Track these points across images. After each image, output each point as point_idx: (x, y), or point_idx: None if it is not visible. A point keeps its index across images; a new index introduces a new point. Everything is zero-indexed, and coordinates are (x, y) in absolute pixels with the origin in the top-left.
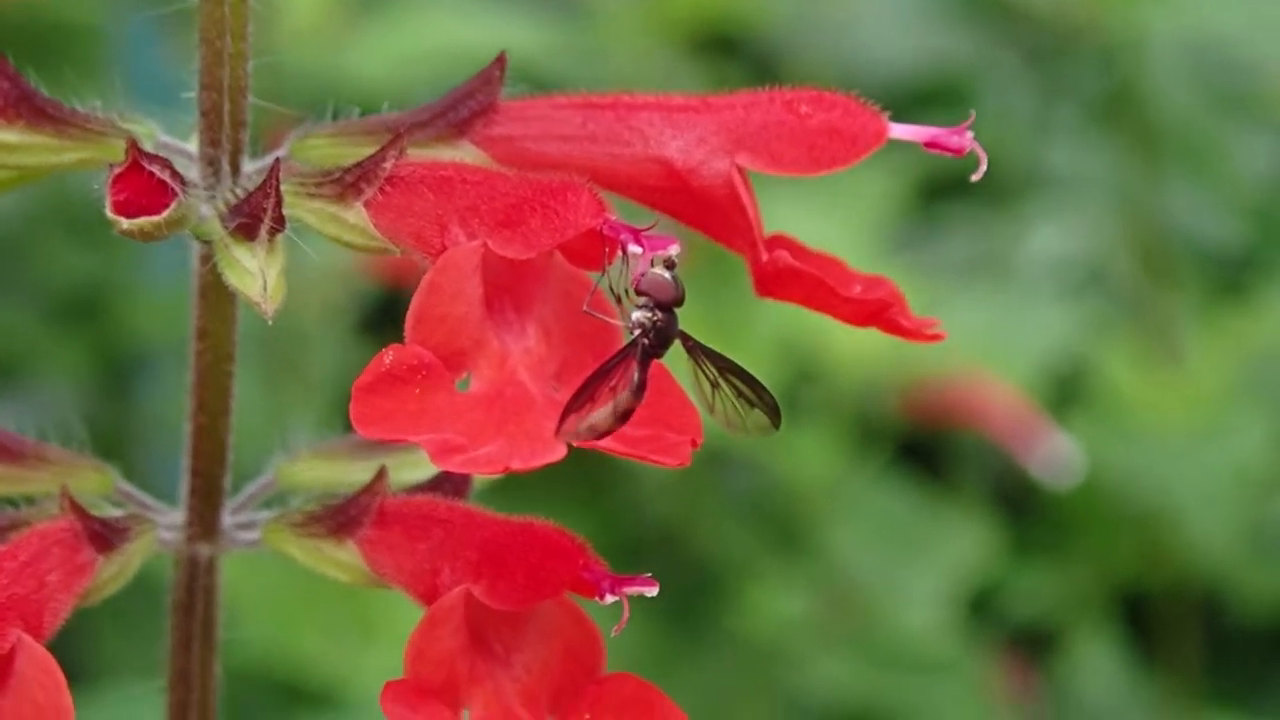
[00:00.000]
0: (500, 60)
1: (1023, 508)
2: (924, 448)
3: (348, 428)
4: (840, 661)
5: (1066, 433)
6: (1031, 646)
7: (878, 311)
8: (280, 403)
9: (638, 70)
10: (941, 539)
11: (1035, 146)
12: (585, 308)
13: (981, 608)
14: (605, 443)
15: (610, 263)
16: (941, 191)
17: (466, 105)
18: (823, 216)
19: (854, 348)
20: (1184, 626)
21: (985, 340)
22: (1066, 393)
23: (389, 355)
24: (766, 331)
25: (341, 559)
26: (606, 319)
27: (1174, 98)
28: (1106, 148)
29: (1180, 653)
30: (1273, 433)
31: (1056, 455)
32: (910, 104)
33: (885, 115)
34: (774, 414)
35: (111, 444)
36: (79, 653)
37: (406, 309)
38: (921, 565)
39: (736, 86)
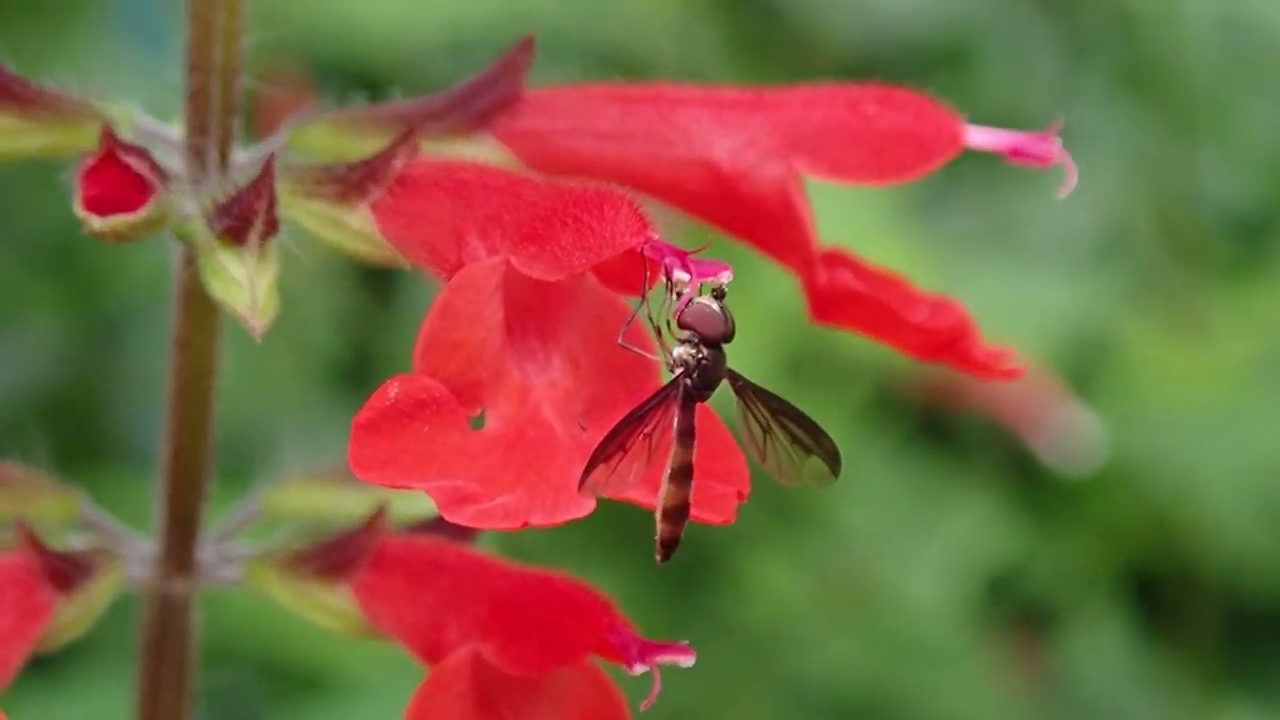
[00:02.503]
0: (527, 44)
1: (1037, 483)
2: (937, 422)
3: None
4: (844, 645)
5: (1084, 412)
6: (1043, 623)
7: (950, 343)
8: (267, 372)
9: (648, 27)
10: (952, 517)
11: (1053, 109)
12: (620, 340)
13: (993, 585)
14: (639, 495)
15: (651, 288)
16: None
17: (488, 94)
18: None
19: None
20: (1198, 607)
21: (999, 314)
22: (1084, 368)
23: (394, 388)
24: (767, 303)
25: (332, 605)
26: (643, 353)
27: (1201, 59)
28: (1128, 111)
29: (1193, 634)
30: None
31: (1072, 438)
32: (925, 64)
33: (962, 119)
34: (833, 461)
35: (93, 398)
36: None
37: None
38: (931, 544)
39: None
